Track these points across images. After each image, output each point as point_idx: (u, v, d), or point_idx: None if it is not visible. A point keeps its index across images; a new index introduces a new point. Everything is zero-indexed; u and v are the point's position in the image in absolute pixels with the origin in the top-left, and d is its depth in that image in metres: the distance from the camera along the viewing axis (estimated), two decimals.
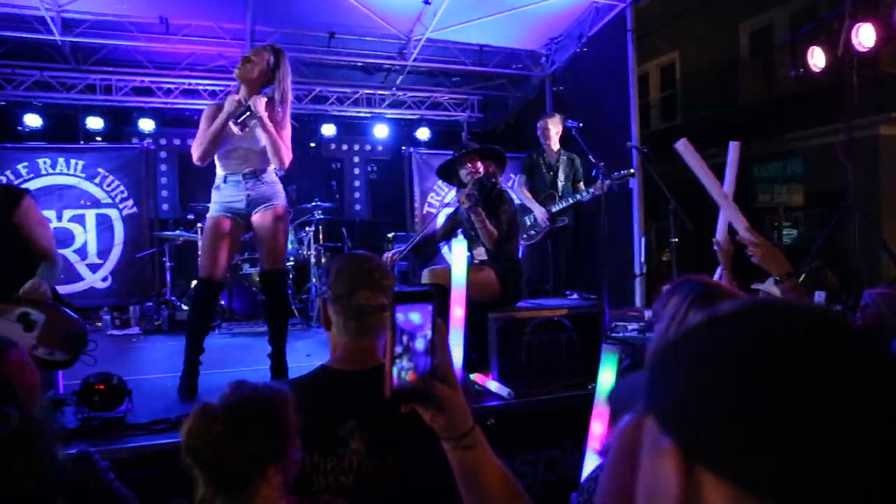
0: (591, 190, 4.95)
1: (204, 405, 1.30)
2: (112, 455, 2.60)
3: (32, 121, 7.41)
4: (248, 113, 3.36)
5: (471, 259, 3.86)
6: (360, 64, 7.63)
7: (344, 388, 1.61)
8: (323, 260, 6.49)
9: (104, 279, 6.75)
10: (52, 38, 6.30)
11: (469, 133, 8.94)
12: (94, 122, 7.73)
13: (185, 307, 6.14)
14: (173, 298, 6.23)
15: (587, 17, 6.85)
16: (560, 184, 5.32)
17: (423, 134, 8.81)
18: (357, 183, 9.44)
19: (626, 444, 0.66)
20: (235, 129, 3.39)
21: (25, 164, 6.63)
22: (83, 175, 6.78)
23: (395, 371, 0.89)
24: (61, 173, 6.69)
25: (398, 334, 0.89)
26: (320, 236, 6.55)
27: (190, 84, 7.64)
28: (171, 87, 7.65)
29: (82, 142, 7.57)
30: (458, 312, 3.00)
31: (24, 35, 6.32)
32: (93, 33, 6.49)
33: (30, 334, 2.67)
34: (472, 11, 6.54)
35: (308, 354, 4.54)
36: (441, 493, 1.58)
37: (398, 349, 0.89)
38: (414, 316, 0.90)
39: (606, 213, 4.66)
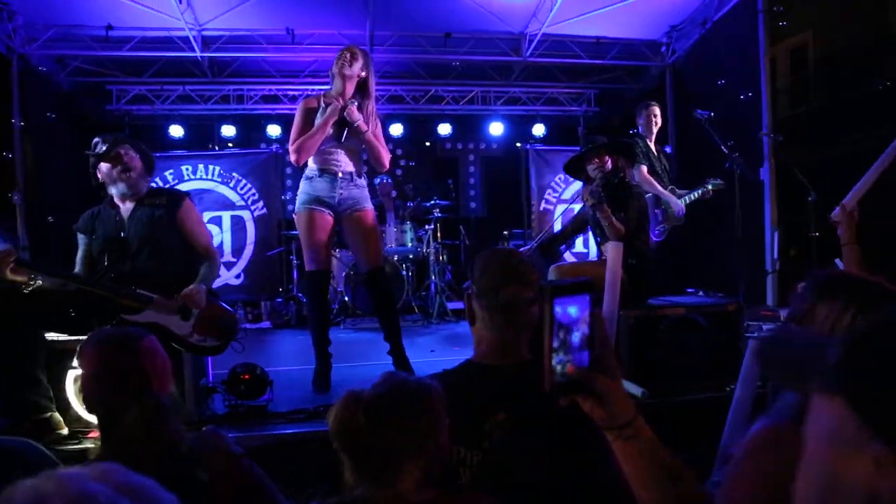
0: (716, 182, 4.70)
1: (350, 393, 1.32)
2: (257, 441, 2.77)
3: (176, 131, 8.04)
4: (347, 128, 3.48)
5: (599, 255, 3.76)
6: (475, 62, 7.66)
7: (491, 383, 1.61)
8: (441, 258, 6.58)
9: (237, 276, 7.20)
10: (193, 54, 6.80)
11: (585, 128, 8.76)
12: (228, 130, 8.29)
13: None
14: (300, 294, 6.55)
15: (712, 0, 6.50)
16: (666, 176, 5.04)
17: (538, 130, 8.72)
18: (472, 181, 9.50)
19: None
20: (332, 132, 3.50)
21: (171, 170, 7.22)
22: (219, 179, 7.27)
23: (554, 364, 0.88)
24: (201, 178, 7.22)
25: (556, 327, 0.87)
26: (438, 234, 6.64)
27: (313, 90, 7.98)
28: (296, 93, 8.03)
29: (217, 148, 8.12)
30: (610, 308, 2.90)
31: (170, 54, 6.88)
32: (228, 48, 6.94)
33: (186, 323, 2.89)
34: (589, 4, 6.40)
35: (432, 350, 4.62)
36: (590, 490, 1.55)
37: (556, 342, 0.87)
38: (571, 308, 0.88)
39: (739, 206, 4.43)
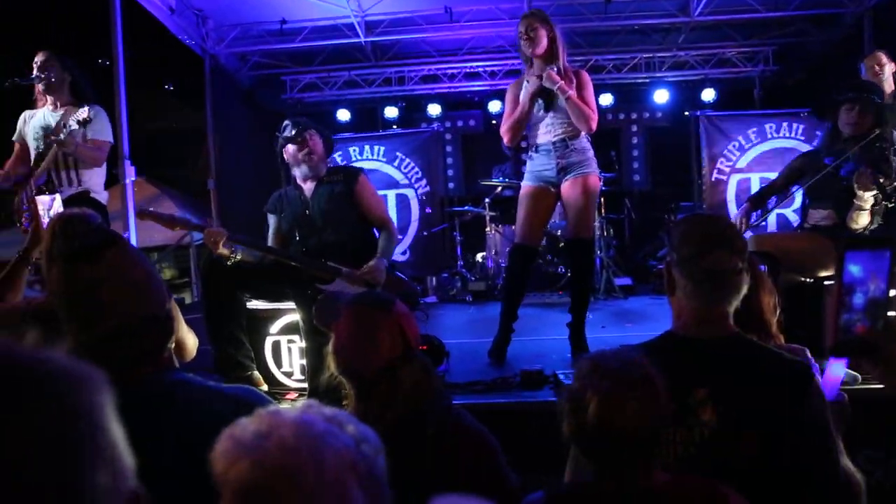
0: None
1: (582, 380, 1.28)
2: None
3: (343, 115, 8.49)
4: (549, 96, 3.40)
5: (801, 222, 3.40)
6: (637, 27, 7.26)
7: (694, 356, 1.51)
8: (606, 232, 6.38)
9: (403, 253, 7.47)
10: (357, 40, 7.10)
11: (761, 89, 8.02)
12: (391, 112, 8.60)
13: (474, 278, 6.52)
14: (464, 270, 6.66)
15: None
16: None
17: (707, 95, 8.12)
18: (636, 152, 9.09)
19: None
20: (538, 104, 3.46)
21: (339, 153, 7.62)
22: (384, 159, 7.56)
23: (841, 321, 0.80)
24: (367, 159, 7.55)
25: (847, 284, 0.79)
26: (602, 208, 6.44)
27: (471, 67, 8.03)
28: (455, 72, 8.13)
29: (381, 130, 8.45)
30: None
31: (336, 42, 7.23)
32: (389, 31, 7.16)
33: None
34: None
35: (603, 326, 4.49)
36: (802, 469, 1.41)
37: (847, 300, 0.79)
38: (866, 265, 0.79)
39: None
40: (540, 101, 3.47)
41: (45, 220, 2.41)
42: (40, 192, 3.55)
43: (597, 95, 8.15)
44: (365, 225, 3.27)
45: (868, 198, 3.02)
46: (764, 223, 6.39)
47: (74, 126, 3.46)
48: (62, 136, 3.45)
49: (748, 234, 3.27)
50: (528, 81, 3.52)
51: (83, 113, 3.48)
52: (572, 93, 3.38)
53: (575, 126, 3.47)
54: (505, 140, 3.59)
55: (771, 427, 1.42)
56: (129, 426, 0.57)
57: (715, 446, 1.44)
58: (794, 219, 6.11)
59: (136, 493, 0.56)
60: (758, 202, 3.49)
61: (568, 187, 3.51)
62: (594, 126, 3.44)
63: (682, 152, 7.70)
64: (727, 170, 7.04)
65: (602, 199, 6.40)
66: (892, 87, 4.45)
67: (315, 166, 3.24)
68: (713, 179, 7.03)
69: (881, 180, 3.00)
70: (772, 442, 1.41)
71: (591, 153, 3.56)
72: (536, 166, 3.56)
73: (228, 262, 2.96)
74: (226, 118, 7.40)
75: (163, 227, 3.06)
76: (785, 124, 6.99)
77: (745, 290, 1.54)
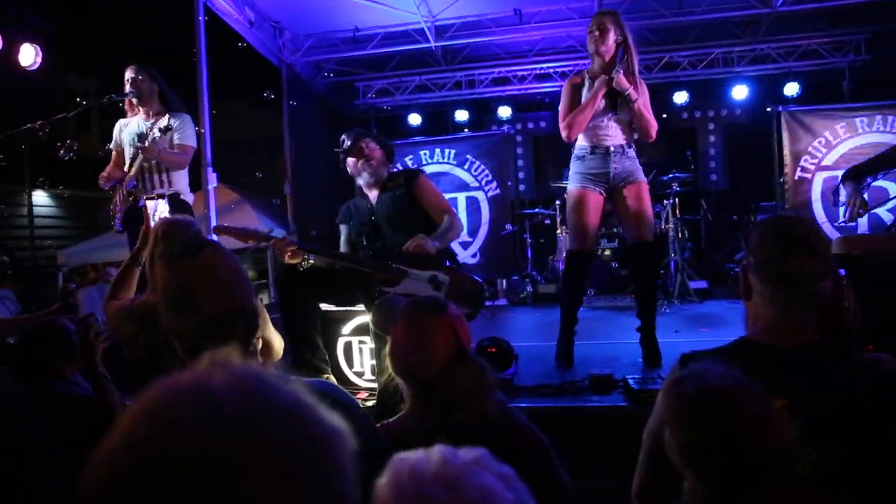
0: None
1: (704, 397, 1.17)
2: None
3: (414, 119, 8.61)
4: (619, 99, 3.36)
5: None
6: (714, 21, 7.01)
7: (771, 364, 1.44)
8: (681, 234, 6.21)
9: (473, 255, 7.50)
10: (428, 45, 7.18)
11: (851, 81, 7.58)
12: (461, 115, 8.65)
13: (544, 282, 6.48)
14: (534, 273, 6.62)
15: None
16: None
17: (790, 89, 7.74)
18: (713, 151, 8.78)
19: None
20: (602, 105, 3.41)
21: (410, 156, 7.74)
22: (454, 162, 7.62)
23: None
24: (438, 162, 7.63)
25: None
26: (677, 209, 6.26)
27: (542, 69, 7.97)
28: (525, 73, 8.08)
29: (452, 133, 8.50)
30: None
31: (408, 47, 7.33)
32: (459, 35, 7.20)
33: (438, 293, 3.06)
34: None
35: (676, 331, 4.38)
36: (889, 493, 1.33)
37: None
38: None
39: None
40: (602, 104, 3.42)
41: (152, 224, 2.57)
42: (130, 196, 3.80)
43: (671, 93, 8.04)
44: (429, 225, 3.30)
45: None
46: (854, 223, 6.05)
47: (157, 134, 3.67)
48: (147, 143, 3.67)
49: (835, 238, 3.09)
50: (589, 79, 3.48)
51: (164, 121, 3.69)
52: (641, 100, 3.34)
53: (633, 133, 3.43)
54: (565, 135, 3.51)
55: (857, 440, 1.34)
56: None
57: (801, 459, 1.38)
58: (888, 218, 5.75)
59: None
60: (857, 178, 3.16)
61: (625, 194, 3.46)
62: (654, 135, 3.41)
63: (762, 150, 7.37)
64: (812, 168, 6.70)
65: (676, 200, 6.23)
66: None
67: (375, 172, 3.29)
68: (796, 178, 6.72)
69: None
70: (859, 456, 1.34)
71: (638, 161, 3.54)
72: (589, 168, 3.49)
73: (301, 268, 3.07)
74: (301, 125, 7.65)
75: (239, 240, 3.19)
76: (878, 118, 6.60)
77: (826, 297, 1.46)
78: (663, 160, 7.43)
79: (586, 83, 3.50)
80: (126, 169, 3.89)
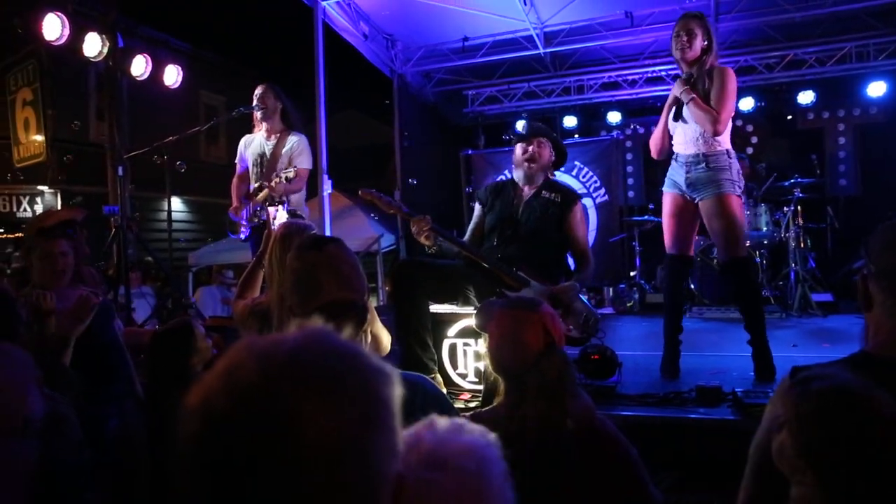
0: None
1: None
2: None
3: (521, 126, 8.60)
4: (681, 104, 3.32)
5: None
6: (846, 13, 6.53)
7: (893, 381, 1.37)
8: (803, 243, 5.85)
9: None
10: (536, 52, 7.19)
11: None
12: (570, 121, 8.58)
13: (653, 290, 6.30)
14: (642, 281, 6.45)
15: None
16: None
17: None
18: (842, 154, 8.14)
19: None
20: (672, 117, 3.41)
21: None
22: (562, 169, 7.53)
23: None
24: None
25: None
26: (799, 217, 5.90)
27: (654, 72, 7.76)
28: (636, 77, 7.90)
29: (561, 139, 8.43)
30: None
31: (517, 55, 7.38)
32: (568, 40, 7.15)
33: (556, 311, 3.10)
34: None
35: (794, 345, 4.14)
36: None
37: None
38: None
39: None
40: (673, 110, 3.40)
41: (273, 228, 2.78)
42: (255, 217, 4.13)
43: (794, 93, 7.56)
44: (563, 249, 3.36)
45: None
46: None
47: (283, 181, 3.92)
48: (273, 184, 3.96)
49: None
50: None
51: (289, 172, 3.91)
52: (694, 96, 3.25)
53: (710, 141, 3.29)
54: (652, 153, 3.57)
55: None
56: None
57: None
58: None
59: (401, 475, 0.69)
60: None
61: (703, 207, 3.36)
62: (721, 128, 3.22)
63: None
64: None
65: (799, 207, 5.87)
66: None
67: (532, 174, 3.36)
68: None
69: None
70: None
71: (728, 173, 3.30)
72: (672, 174, 3.49)
73: (430, 251, 3.19)
74: (412, 132, 7.88)
75: (381, 208, 3.28)
76: None
77: None
78: (785, 164, 7.02)
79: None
80: (254, 189, 4.20)
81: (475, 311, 2.60)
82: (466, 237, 3.49)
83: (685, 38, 3.29)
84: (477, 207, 3.51)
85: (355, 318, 1.50)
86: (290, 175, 3.89)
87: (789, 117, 8.28)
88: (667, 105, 3.45)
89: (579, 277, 3.25)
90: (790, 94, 7.76)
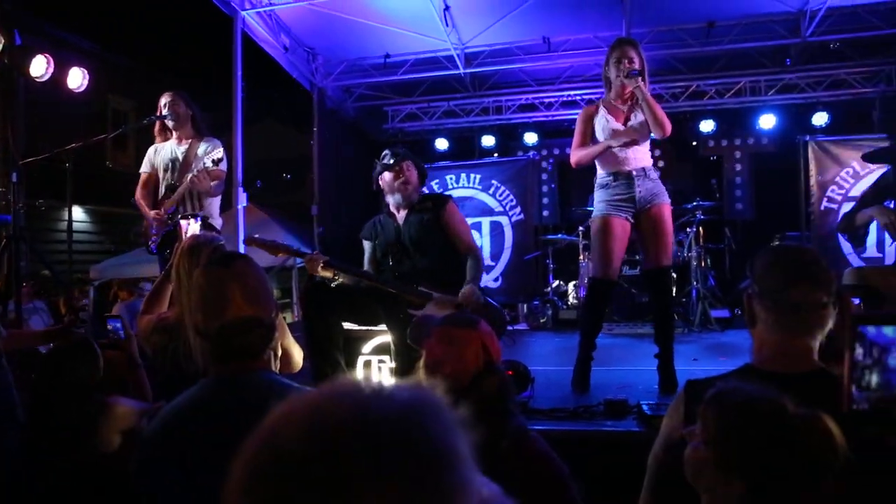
0: None
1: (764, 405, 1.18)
2: None
3: (441, 144, 8.74)
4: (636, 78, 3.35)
5: None
6: (742, 51, 7.04)
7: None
8: (704, 263, 6.19)
9: (496, 279, 7.55)
10: (457, 71, 7.32)
11: (881, 111, 7.52)
12: (488, 140, 8.76)
13: (565, 307, 6.49)
14: (555, 298, 6.64)
15: None
16: None
17: (819, 119, 7.69)
18: (739, 180, 8.72)
19: None
20: (620, 126, 3.47)
21: (437, 180, 7.85)
22: (480, 187, 7.71)
23: (854, 388, 0.80)
24: (463, 186, 7.73)
25: (863, 348, 0.79)
26: (701, 238, 6.25)
27: (569, 96, 8.06)
28: (552, 100, 8.18)
29: (478, 158, 8.60)
30: None
31: (437, 73, 7.49)
32: (488, 62, 7.33)
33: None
34: None
35: (695, 359, 4.37)
36: None
37: (861, 363, 0.79)
38: (875, 335, 0.80)
39: None
40: (622, 126, 3.48)
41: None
42: (169, 220, 3.96)
43: (697, 122, 8.05)
44: (453, 251, 3.38)
45: None
46: (880, 254, 5.99)
47: (210, 165, 3.81)
48: (194, 171, 3.82)
49: (846, 271, 3.09)
50: (606, 120, 3.52)
51: (217, 153, 3.82)
52: (648, 95, 3.36)
53: (648, 157, 3.48)
54: (572, 162, 3.64)
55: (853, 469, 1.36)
56: (233, 409, 0.67)
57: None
58: None
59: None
60: (846, 230, 3.30)
61: (647, 217, 3.48)
62: (668, 130, 3.38)
63: (789, 180, 7.33)
64: (839, 198, 6.65)
65: (700, 229, 6.22)
66: None
67: (408, 196, 3.40)
68: (822, 208, 6.67)
69: None
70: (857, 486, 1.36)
71: (661, 183, 3.55)
72: (614, 195, 3.50)
73: (332, 284, 3.17)
74: (330, 147, 7.82)
75: (269, 252, 3.30)
76: None
77: (830, 324, 1.50)
78: (688, 188, 7.44)
79: (600, 111, 3.56)
80: (163, 195, 4.05)
81: (409, 328, 2.60)
82: (366, 269, 3.50)
83: (626, 63, 3.41)
84: (366, 244, 3.53)
85: (259, 338, 1.47)
86: (218, 156, 3.78)
87: (693, 143, 8.80)
88: (605, 149, 3.48)
89: (473, 276, 3.24)
90: (693, 122, 8.27)
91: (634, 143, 3.48)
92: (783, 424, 1.14)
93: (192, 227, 3.74)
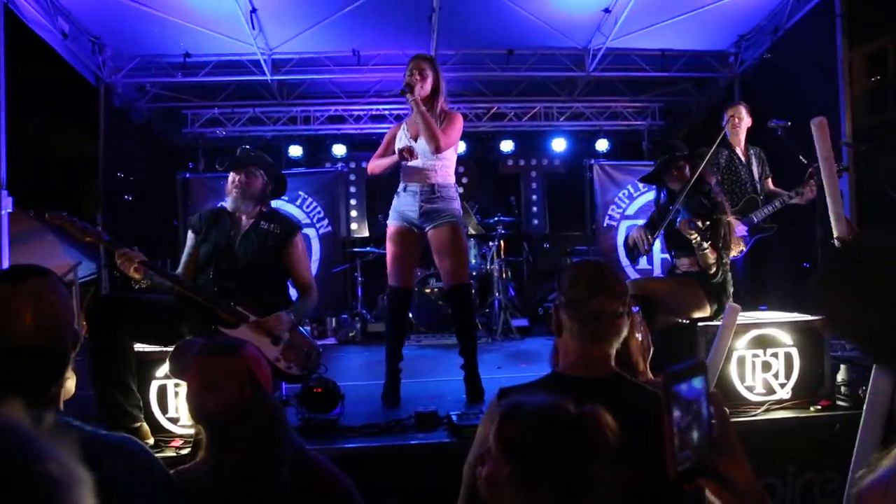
0: (799, 191, 4.46)
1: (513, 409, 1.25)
2: (329, 455, 2.79)
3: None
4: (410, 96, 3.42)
5: (671, 265, 3.65)
6: (538, 78, 7.65)
7: (578, 395, 1.57)
8: (505, 275, 6.55)
9: None
10: (264, 78, 7.04)
11: (649, 142, 8.60)
12: (295, 150, 8.53)
13: (375, 320, 6.49)
14: (364, 311, 6.62)
15: (784, 7, 6.29)
16: (757, 184, 4.79)
17: (602, 145, 8.62)
18: (535, 197, 9.43)
19: None
20: (409, 142, 3.55)
21: None
22: (286, 198, 7.43)
23: (676, 449, 0.87)
24: None
25: (677, 413, 0.87)
26: (502, 251, 6.62)
27: (377, 109, 8.14)
28: (361, 113, 8.20)
29: (285, 169, 8.33)
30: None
31: (243, 78, 7.15)
32: (296, 70, 7.15)
33: (275, 348, 2.96)
34: (655, 16, 6.29)
35: (498, 367, 4.58)
36: None
37: (677, 426, 0.87)
38: (687, 391, 0.88)
39: (819, 220, 4.23)
40: (413, 143, 3.55)
41: None
42: None
43: (498, 141, 8.56)
44: (284, 281, 3.22)
45: (696, 241, 3.23)
46: (650, 266, 6.80)
47: None
48: None
49: (628, 281, 3.45)
50: (405, 134, 3.64)
51: None
52: (423, 109, 3.41)
53: (445, 174, 3.58)
54: (368, 172, 3.76)
55: (650, 460, 1.49)
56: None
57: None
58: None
59: None
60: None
61: (434, 235, 3.56)
62: (441, 146, 3.45)
63: (578, 198, 8.08)
64: (617, 216, 7.44)
65: (501, 243, 6.59)
66: (744, 141, 4.89)
67: (239, 204, 3.13)
68: (605, 225, 7.41)
69: (697, 223, 3.23)
70: (654, 475, 1.48)
71: (457, 204, 3.64)
72: (401, 205, 3.62)
73: (137, 287, 2.86)
74: (120, 150, 7.08)
75: (74, 235, 2.81)
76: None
77: (625, 332, 1.64)
78: (490, 204, 7.86)
79: (402, 127, 3.69)
80: None
81: (169, 357, 2.38)
82: (180, 268, 3.17)
83: (418, 77, 3.46)
84: (190, 235, 3.21)
85: (54, 367, 1.26)
86: None
87: (491, 161, 9.34)
88: (394, 162, 3.56)
89: (297, 309, 3.11)
90: (495, 142, 8.80)
91: (424, 158, 3.54)
92: (564, 423, 1.23)
93: None
